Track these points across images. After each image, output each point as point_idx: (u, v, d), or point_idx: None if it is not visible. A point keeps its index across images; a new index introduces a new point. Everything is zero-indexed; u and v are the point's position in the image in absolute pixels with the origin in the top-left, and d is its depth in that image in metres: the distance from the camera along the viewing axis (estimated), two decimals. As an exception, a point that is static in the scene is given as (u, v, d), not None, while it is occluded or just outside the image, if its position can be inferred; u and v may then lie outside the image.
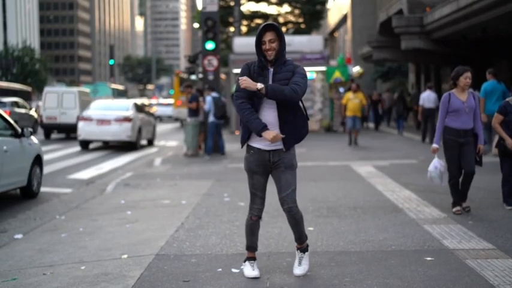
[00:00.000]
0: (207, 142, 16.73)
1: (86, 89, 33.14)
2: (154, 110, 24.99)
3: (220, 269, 5.57)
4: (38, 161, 10.89)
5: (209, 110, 16.30)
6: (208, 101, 16.31)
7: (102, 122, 20.23)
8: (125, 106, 21.70)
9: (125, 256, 6.13)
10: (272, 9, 42.41)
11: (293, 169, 5.26)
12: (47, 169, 14.18)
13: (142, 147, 21.65)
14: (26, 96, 38.16)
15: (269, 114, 5.10)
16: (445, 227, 7.15)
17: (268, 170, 5.27)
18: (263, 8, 42.26)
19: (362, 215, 7.99)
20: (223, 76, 30.89)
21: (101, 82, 69.09)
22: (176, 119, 39.07)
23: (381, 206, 8.62)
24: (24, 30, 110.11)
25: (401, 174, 12.00)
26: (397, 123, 26.35)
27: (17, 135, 10.22)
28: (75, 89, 28.92)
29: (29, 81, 76.03)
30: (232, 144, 20.04)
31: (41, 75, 79.47)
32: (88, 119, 20.39)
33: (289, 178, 5.23)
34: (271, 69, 5.11)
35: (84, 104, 25.51)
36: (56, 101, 26.06)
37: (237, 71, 25.20)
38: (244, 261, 5.47)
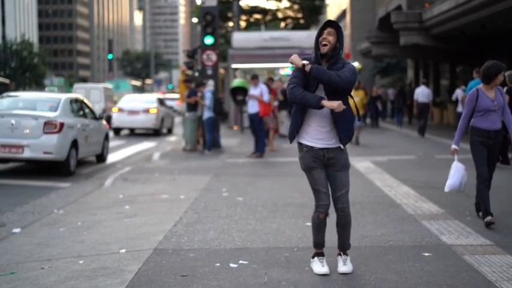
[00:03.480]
0: (206, 138, 16.69)
1: (109, 85, 38.40)
2: None
3: (218, 264, 5.57)
4: (106, 137, 15.39)
5: (210, 105, 16.27)
6: (208, 97, 16.29)
7: (132, 112, 24.61)
8: (150, 100, 26.44)
9: (123, 250, 6.13)
10: (271, 4, 42.37)
11: (347, 169, 5.27)
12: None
13: (163, 134, 25.51)
14: (4, 89, 39.00)
15: (319, 113, 5.10)
16: (443, 222, 7.16)
17: (324, 164, 5.23)
18: (262, 3, 42.23)
19: (360, 211, 7.99)
20: (222, 71, 30.89)
21: (121, 79, 72.64)
22: (179, 113, 40.43)
23: (379, 202, 8.62)
24: (23, 24, 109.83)
25: (399, 170, 12.01)
26: (397, 118, 27.14)
27: (95, 118, 14.71)
28: (100, 85, 33.75)
29: (27, 75, 75.94)
30: (230, 139, 20.05)
31: (40, 69, 79.33)
32: (120, 110, 24.61)
33: (344, 178, 5.24)
34: (325, 66, 5.10)
35: (108, 98, 29.90)
36: (84, 95, 28.98)
37: (236, 66, 25.27)
38: (313, 257, 5.39)
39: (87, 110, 14.41)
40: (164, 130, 26.03)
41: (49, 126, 12.26)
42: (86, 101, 14.87)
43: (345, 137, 5.16)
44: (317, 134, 5.16)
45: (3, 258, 6.13)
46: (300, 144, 5.26)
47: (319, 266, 5.28)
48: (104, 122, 15.61)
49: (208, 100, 16.22)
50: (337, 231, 5.41)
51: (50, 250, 6.36)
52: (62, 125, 12.38)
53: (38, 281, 5.27)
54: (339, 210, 5.28)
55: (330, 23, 5.18)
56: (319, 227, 5.32)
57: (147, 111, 24.68)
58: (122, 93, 42.93)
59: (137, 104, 25.34)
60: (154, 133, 24.95)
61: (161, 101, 26.95)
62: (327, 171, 5.27)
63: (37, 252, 6.29)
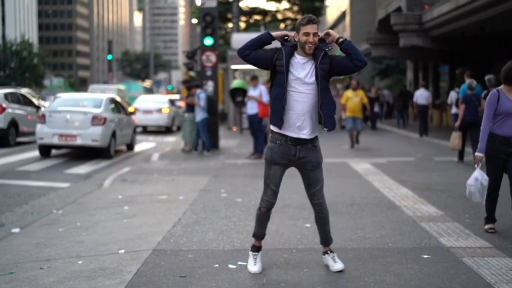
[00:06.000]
0: (203, 139, 16.56)
1: (122, 86, 44.14)
2: None
3: (217, 265, 5.57)
4: (134, 129, 18.97)
5: (204, 106, 16.24)
6: (202, 98, 16.29)
7: (146, 111, 27.31)
8: (162, 100, 29.49)
9: (122, 251, 6.13)
10: (271, 6, 42.38)
11: (320, 166, 5.31)
12: (48, 163, 14.73)
13: (174, 131, 28.25)
14: None
15: (301, 100, 5.11)
16: (442, 224, 7.16)
17: (291, 164, 5.26)
18: (262, 4, 42.25)
19: (359, 212, 7.99)
20: (221, 72, 30.92)
21: (133, 81, 76.25)
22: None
23: (377, 203, 8.62)
24: (23, 24, 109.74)
25: (398, 172, 12.01)
26: (397, 119, 27.91)
27: (127, 114, 18.02)
28: (114, 86, 38.77)
29: (27, 75, 75.87)
30: (229, 140, 20.05)
31: (39, 69, 79.27)
32: (136, 110, 26.02)
33: (318, 175, 5.29)
34: (306, 59, 5.12)
35: (121, 98, 32.32)
36: None
37: (235, 67, 25.27)
38: (251, 250, 5.47)
39: (120, 107, 17.64)
40: (174, 128, 28.79)
41: (96, 120, 15.56)
42: (119, 99, 18.48)
43: (329, 122, 5.15)
44: (296, 122, 5.14)
45: (2, 258, 6.12)
46: (275, 134, 5.23)
47: (251, 264, 5.38)
48: (133, 117, 19.14)
49: (202, 101, 16.22)
50: (317, 228, 5.50)
51: (48, 250, 6.35)
52: (105, 119, 15.69)
53: (36, 281, 5.27)
54: (315, 206, 5.36)
55: (314, 21, 5.12)
56: (260, 220, 5.44)
57: (160, 110, 27.62)
58: (134, 94, 45.49)
59: (151, 104, 28.05)
60: (166, 130, 28.03)
61: (172, 102, 29.70)
62: (298, 170, 5.31)
63: (36, 253, 6.29)
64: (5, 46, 77.19)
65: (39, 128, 15.72)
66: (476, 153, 6.68)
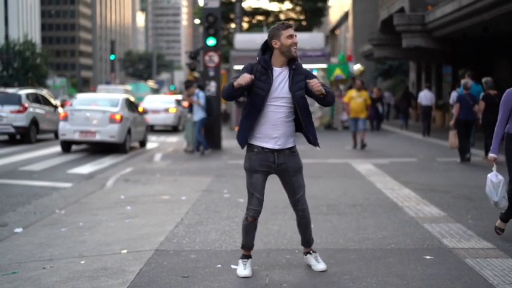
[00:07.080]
0: (200, 139, 16.48)
1: (128, 87, 47.02)
2: None
3: (219, 265, 5.57)
4: (146, 127, 20.32)
5: (203, 106, 16.24)
6: (202, 97, 16.29)
7: (153, 111, 27.96)
8: (169, 101, 30.83)
9: (125, 251, 6.13)
10: (273, 6, 42.40)
11: (301, 171, 5.31)
12: (49, 163, 14.70)
13: (180, 130, 28.87)
14: None
15: (276, 111, 5.09)
16: (445, 225, 7.15)
17: (271, 171, 5.26)
18: (264, 4, 42.26)
19: (361, 213, 7.99)
20: (223, 72, 30.95)
21: (140, 82, 79.03)
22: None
23: (380, 204, 8.61)
24: (26, 24, 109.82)
25: (401, 173, 12.00)
26: (402, 120, 28.31)
27: (139, 113, 19.33)
28: (121, 87, 41.84)
29: (30, 75, 75.95)
30: (230, 141, 20.04)
31: (42, 69, 79.31)
32: (144, 110, 28.21)
33: (300, 181, 5.30)
34: (281, 69, 5.10)
35: None
36: None
37: (238, 67, 25.26)
38: (241, 258, 5.43)
39: (134, 107, 19.08)
40: (180, 127, 29.24)
41: (113, 118, 16.93)
42: (132, 99, 20.10)
43: (315, 139, 5.26)
44: (271, 133, 5.13)
45: (5, 258, 6.13)
46: (250, 145, 5.23)
47: (241, 269, 5.32)
48: (146, 116, 20.76)
49: (202, 99, 16.23)
50: (299, 231, 5.52)
51: (51, 250, 6.36)
52: (122, 117, 17.12)
53: (39, 280, 5.27)
54: (299, 211, 5.38)
55: (290, 25, 5.11)
56: (248, 230, 5.40)
57: (167, 110, 28.76)
58: (141, 94, 46.59)
59: (158, 104, 29.19)
60: (173, 129, 29.07)
61: (178, 102, 30.46)
62: (280, 177, 5.31)
63: (39, 252, 6.30)
64: (8, 46, 77.21)
65: (62, 125, 17.22)
66: (490, 155, 6.50)
